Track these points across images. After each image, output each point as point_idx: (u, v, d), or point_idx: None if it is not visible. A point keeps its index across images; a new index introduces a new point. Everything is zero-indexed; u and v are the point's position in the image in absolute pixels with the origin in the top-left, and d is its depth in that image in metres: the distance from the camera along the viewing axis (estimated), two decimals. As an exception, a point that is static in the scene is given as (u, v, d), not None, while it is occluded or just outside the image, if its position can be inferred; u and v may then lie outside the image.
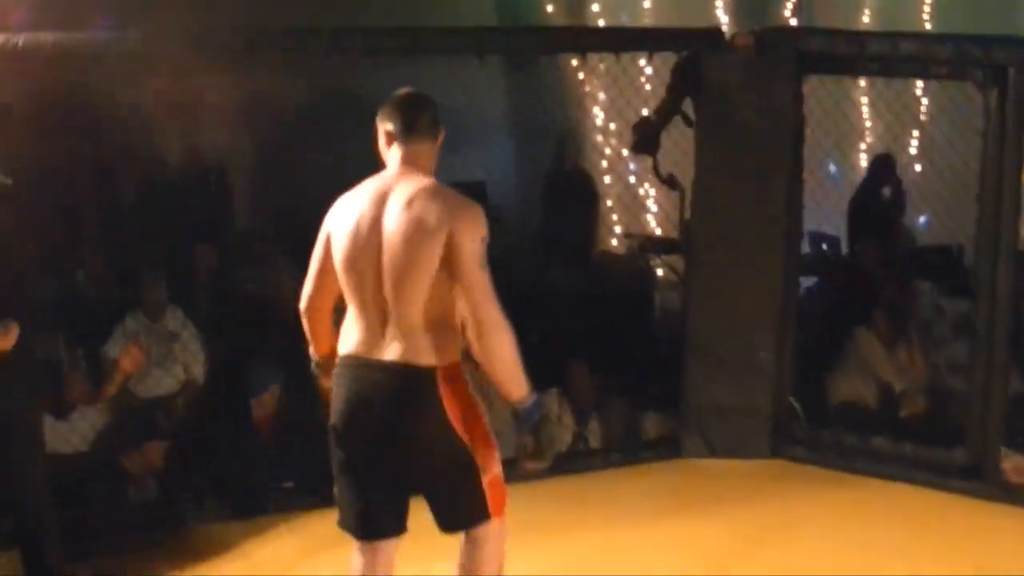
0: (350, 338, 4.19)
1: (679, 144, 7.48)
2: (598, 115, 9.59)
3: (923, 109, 10.19)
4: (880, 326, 7.36)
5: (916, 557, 5.71)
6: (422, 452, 4.13)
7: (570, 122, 9.49)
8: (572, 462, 6.79)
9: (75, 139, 7.55)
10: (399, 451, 4.13)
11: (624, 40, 7.27)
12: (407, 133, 4.13)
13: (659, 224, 9.21)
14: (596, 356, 7.24)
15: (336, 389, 4.20)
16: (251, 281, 7.52)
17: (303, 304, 4.36)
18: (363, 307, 4.13)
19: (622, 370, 7.31)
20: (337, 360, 4.23)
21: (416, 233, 3.99)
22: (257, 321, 7.06)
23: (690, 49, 6.96)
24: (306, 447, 6.22)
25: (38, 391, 5.64)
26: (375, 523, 4.24)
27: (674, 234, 7.74)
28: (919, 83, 9.70)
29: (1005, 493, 6.35)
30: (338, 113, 7.54)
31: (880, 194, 8.96)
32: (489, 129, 9.16)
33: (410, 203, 4.02)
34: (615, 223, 9.51)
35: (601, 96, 9.47)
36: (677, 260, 7.72)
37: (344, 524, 4.28)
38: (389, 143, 4.17)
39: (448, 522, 4.24)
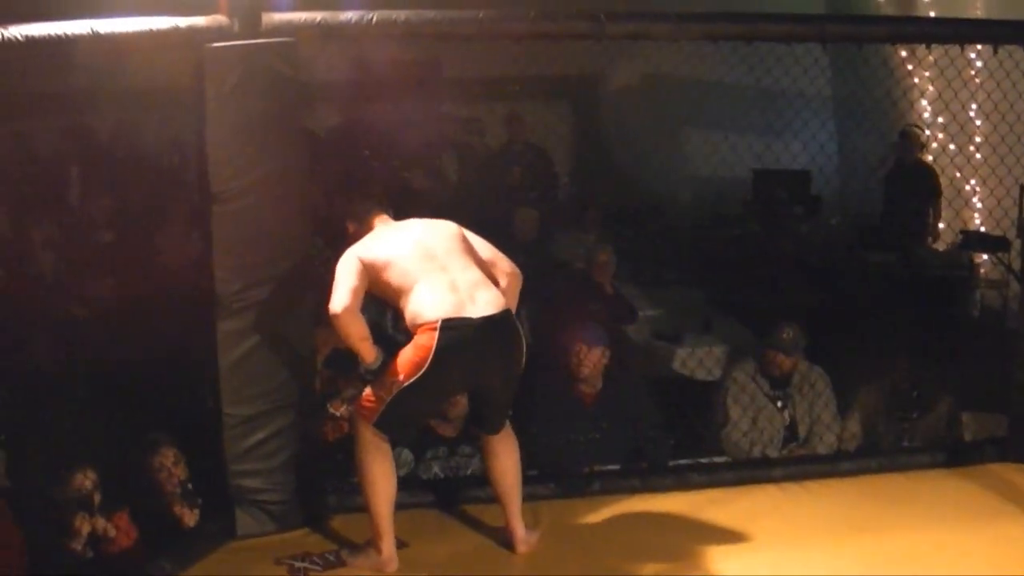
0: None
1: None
2: (925, 108, 9.38)
3: None
4: None
5: None
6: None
7: (897, 114, 9.29)
8: (894, 460, 6.69)
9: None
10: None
11: (970, 31, 7.04)
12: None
13: (983, 220, 8.95)
14: (917, 353, 7.12)
15: None
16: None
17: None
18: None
19: (944, 368, 7.14)
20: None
21: None
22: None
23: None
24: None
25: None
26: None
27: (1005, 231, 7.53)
28: None
29: None
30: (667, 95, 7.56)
31: None
32: (814, 117, 9.06)
33: None
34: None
35: (929, 88, 9.25)
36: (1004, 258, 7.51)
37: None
38: None
39: (498, 427, 5.30)
